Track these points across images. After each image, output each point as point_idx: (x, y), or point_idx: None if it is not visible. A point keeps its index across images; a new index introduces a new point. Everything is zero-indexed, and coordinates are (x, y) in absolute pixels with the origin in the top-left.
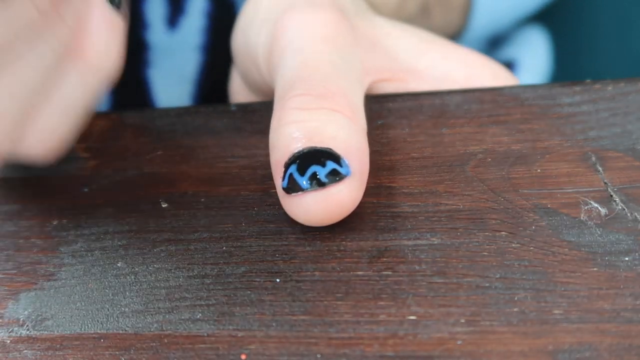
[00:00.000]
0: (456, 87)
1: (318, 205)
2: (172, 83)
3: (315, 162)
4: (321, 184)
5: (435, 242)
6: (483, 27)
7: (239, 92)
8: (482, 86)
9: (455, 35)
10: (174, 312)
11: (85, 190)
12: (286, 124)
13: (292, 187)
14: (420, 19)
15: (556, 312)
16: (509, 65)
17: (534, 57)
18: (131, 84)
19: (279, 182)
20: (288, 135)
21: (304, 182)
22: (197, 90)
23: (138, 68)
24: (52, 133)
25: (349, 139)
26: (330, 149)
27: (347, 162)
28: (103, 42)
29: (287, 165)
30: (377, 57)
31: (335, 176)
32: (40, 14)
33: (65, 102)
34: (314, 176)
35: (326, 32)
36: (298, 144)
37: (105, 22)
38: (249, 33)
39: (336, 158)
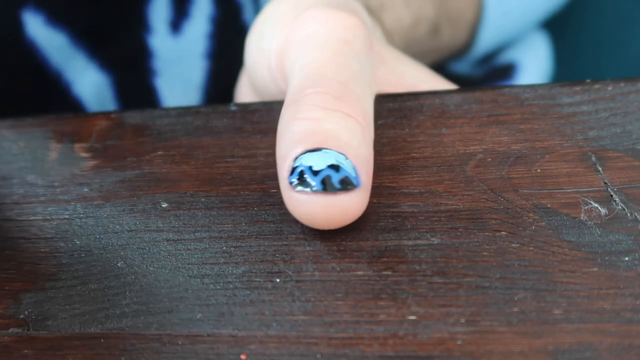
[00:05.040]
0: None
1: (324, 210)
2: (180, 91)
3: (330, 165)
4: (332, 189)
5: (435, 242)
6: (489, 41)
7: (244, 95)
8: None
9: (462, 50)
10: (174, 312)
11: (85, 190)
12: (303, 119)
13: (301, 183)
14: (430, 38)
15: (556, 312)
16: (511, 67)
17: (535, 59)
18: (140, 93)
19: (284, 174)
20: (303, 130)
21: (316, 182)
22: (205, 97)
23: (146, 77)
24: None
25: (360, 148)
26: (345, 155)
27: (357, 173)
28: None
29: (297, 159)
30: (384, 71)
31: (347, 185)
32: None
33: None
34: (327, 179)
35: (347, 35)
36: (313, 141)
37: None
38: (264, 29)
39: (349, 166)
